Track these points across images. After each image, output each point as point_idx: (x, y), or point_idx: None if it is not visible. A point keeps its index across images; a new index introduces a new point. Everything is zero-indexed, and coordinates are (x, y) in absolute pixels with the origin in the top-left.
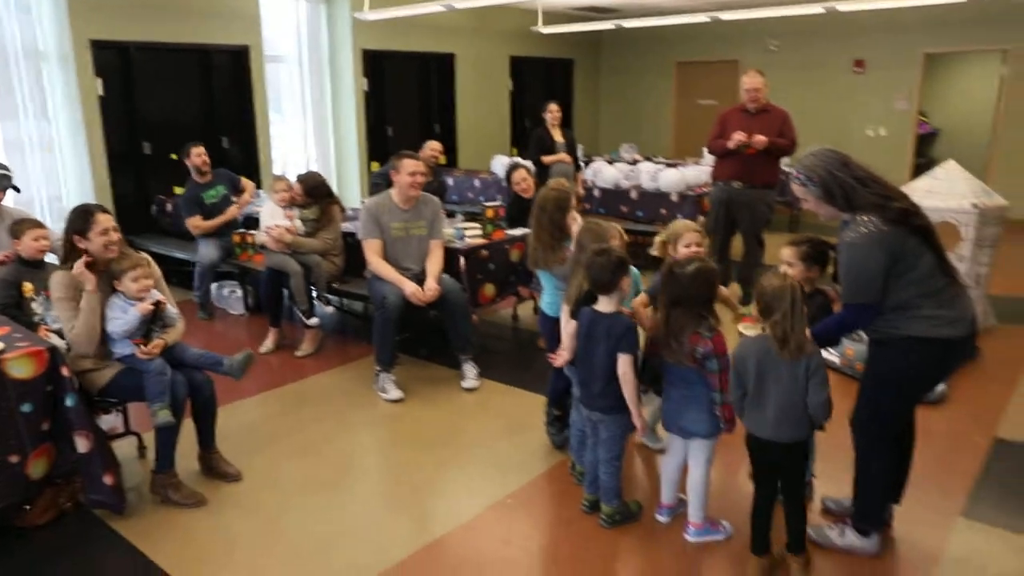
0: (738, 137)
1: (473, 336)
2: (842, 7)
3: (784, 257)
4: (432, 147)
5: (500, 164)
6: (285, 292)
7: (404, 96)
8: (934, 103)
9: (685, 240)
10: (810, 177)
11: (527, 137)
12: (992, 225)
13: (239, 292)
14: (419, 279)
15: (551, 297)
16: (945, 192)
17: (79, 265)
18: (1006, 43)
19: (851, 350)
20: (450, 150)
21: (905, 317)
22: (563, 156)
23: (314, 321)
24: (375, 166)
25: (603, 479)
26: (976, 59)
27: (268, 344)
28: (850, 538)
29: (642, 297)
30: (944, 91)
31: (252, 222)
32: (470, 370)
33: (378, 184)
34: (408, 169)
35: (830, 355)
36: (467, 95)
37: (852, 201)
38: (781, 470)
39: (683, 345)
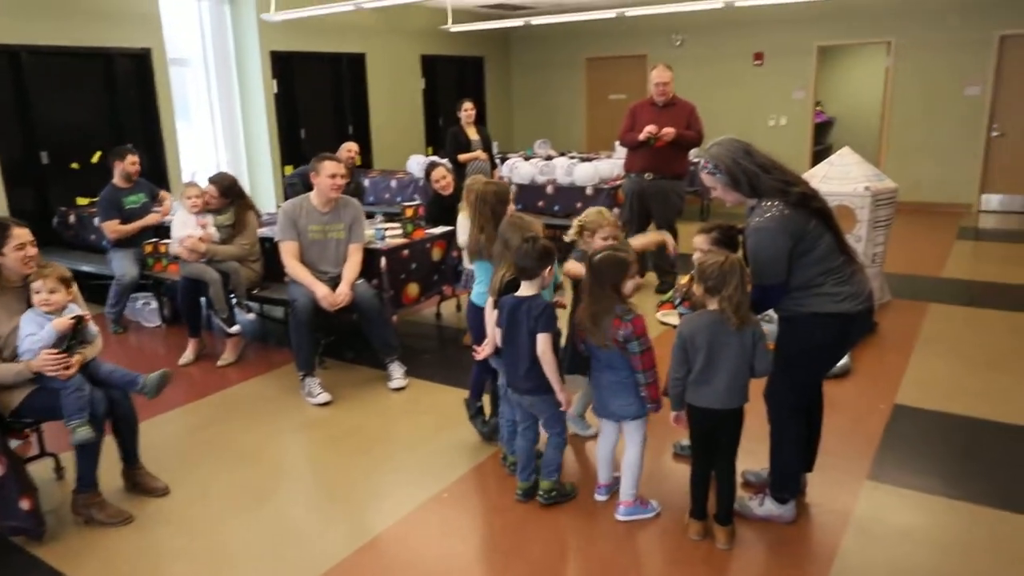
0: (649, 129)
1: (394, 338)
2: (741, 3)
3: (696, 244)
4: (349, 148)
5: (416, 164)
6: (204, 301)
7: (316, 98)
8: (828, 93)
9: (603, 233)
10: (717, 166)
11: (442, 136)
12: (885, 207)
13: (154, 304)
14: (336, 283)
15: (484, 287)
16: (841, 177)
17: None
18: (890, 36)
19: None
20: (365, 151)
21: (809, 295)
22: (479, 154)
23: (235, 329)
24: (288, 170)
25: (548, 453)
26: (865, 51)
27: (188, 355)
28: (769, 507)
29: (574, 265)
30: (837, 82)
31: (163, 231)
32: (396, 370)
33: (294, 186)
34: (328, 171)
35: None
36: (380, 95)
37: (756, 187)
38: (724, 438)
39: (604, 329)
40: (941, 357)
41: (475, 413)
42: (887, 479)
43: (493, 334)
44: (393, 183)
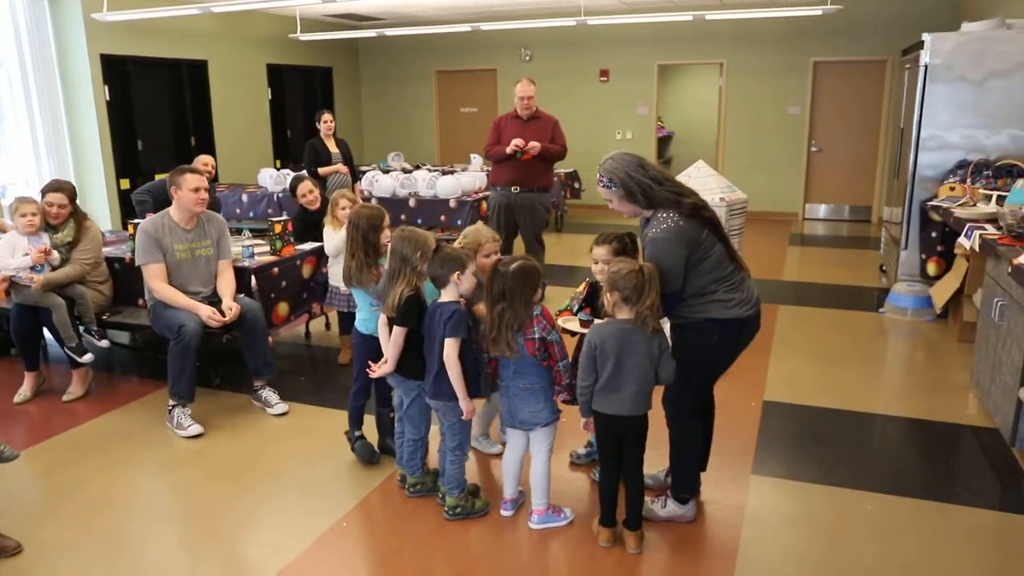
0: (516, 143)
1: (272, 357)
2: (591, 21)
3: (597, 256)
4: (205, 162)
5: (269, 177)
6: (46, 328)
7: (154, 106)
8: (669, 109)
9: (485, 250)
10: (611, 179)
11: (291, 148)
12: (737, 216)
13: None
14: (211, 302)
15: (366, 314)
16: (698, 189)
17: None
18: (722, 57)
19: None
20: None
21: (703, 302)
22: (339, 167)
23: (88, 358)
24: (125, 183)
25: (447, 468)
26: (700, 71)
27: (25, 391)
28: (671, 507)
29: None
30: (677, 98)
31: None
32: (272, 395)
33: (143, 203)
34: (191, 185)
35: None
36: (224, 105)
37: (651, 199)
38: (629, 445)
39: (508, 339)
40: (794, 355)
41: (355, 440)
42: (769, 472)
43: (395, 354)
44: (244, 197)
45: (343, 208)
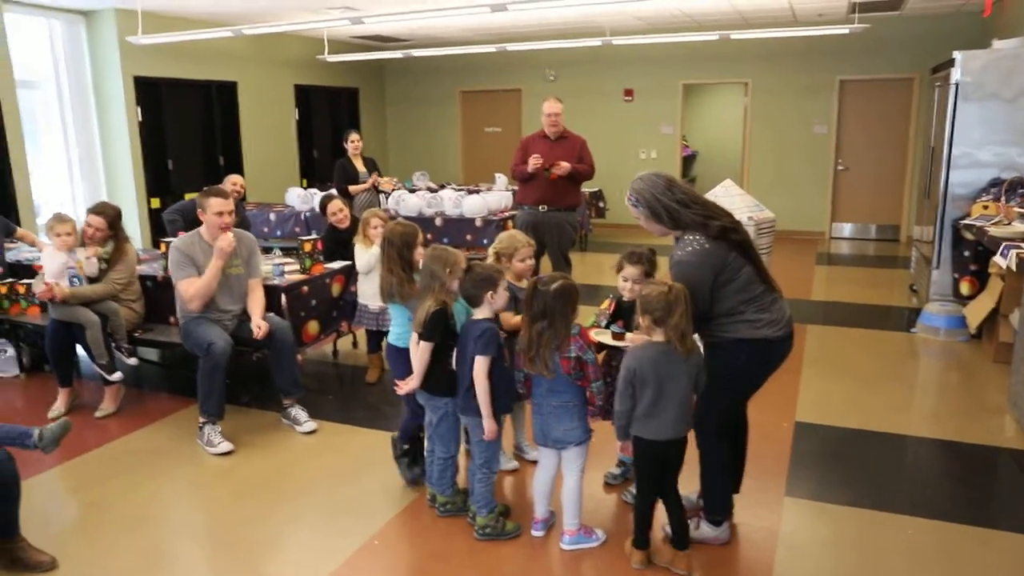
0: (534, 159)
1: (300, 376)
2: (616, 41)
3: (628, 275)
4: (234, 181)
5: (297, 196)
6: (79, 345)
7: (184, 127)
8: (693, 128)
9: (520, 255)
10: (639, 200)
11: (318, 167)
12: (765, 235)
13: (10, 351)
14: (240, 320)
15: (402, 328)
16: (727, 207)
17: None
18: (747, 77)
19: None
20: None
21: (732, 322)
22: (368, 185)
23: (117, 376)
24: (156, 203)
25: (476, 486)
26: (725, 90)
27: (59, 407)
28: (704, 529)
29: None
30: (701, 118)
31: (22, 270)
32: (301, 413)
33: (174, 221)
34: (215, 208)
35: None
36: (252, 125)
37: (677, 221)
38: (672, 466)
39: (546, 358)
40: (825, 375)
41: (400, 454)
42: (802, 494)
43: (420, 369)
44: (272, 216)
45: (375, 227)
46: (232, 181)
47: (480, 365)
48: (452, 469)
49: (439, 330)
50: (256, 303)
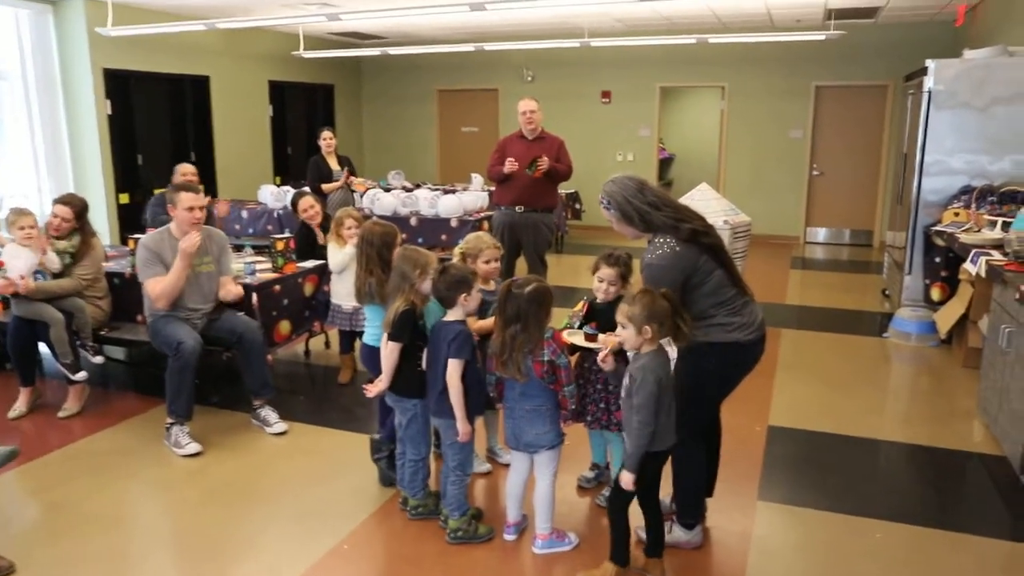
0: (509, 166)
1: (270, 377)
2: (592, 43)
3: (605, 276)
4: (184, 171)
5: (269, 193)
6: (42, 344)
7: (155, 121)
8: (670, 131)
9: (485, 256)
10: (610, 202)
11: (291, 165)
12: (741, 239)
13: None
14: (210, 319)
15: (378, 329)
16: (702, 211)
17: None
18: (724, 80)
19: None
20: (209, 180)
21: (703, 326)
22: (341, 183)
23: (81, 376)
24: (124, 198)
25: (448, 489)
26: (703, 93)
27: (20, 407)
28: (677, 534)
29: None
30: (678, 121)
31: None
32: (271, 414)
33: (160, 207)
34: (185, 203)
35: None
36: (225, 121)
37: (649, 223)
38: (658, 473)
39: (519, 362)
40: (799, 380)
41: (383, 455)
42: (775, 498)
43: (388, 370)
44: (244, 214)
45: (348, 228)
46: (183, 172)
47: (454, 368)
48: (423, 471)
49: (408, 330)
50: (230, 292)
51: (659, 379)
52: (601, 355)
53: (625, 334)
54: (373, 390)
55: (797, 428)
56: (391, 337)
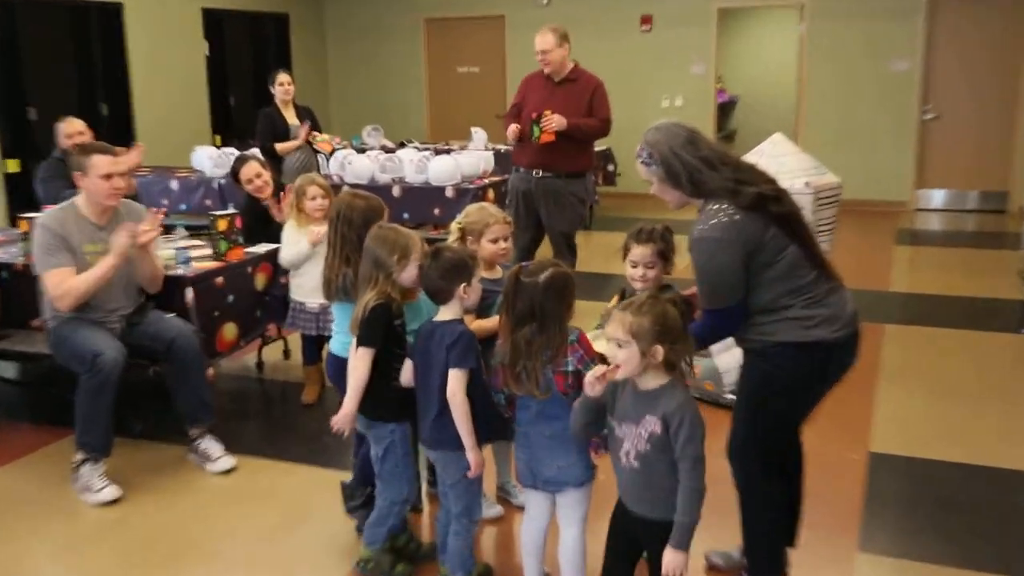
0: (512, 132)
1: (210, 398)
2: None
3: (637, 257)
4: (70, 130)
5: (206, 158)
6: None
7: (52, 63)
8: (731, 67)
9: (491, 233)
10: (651, 155)
11: (237, 120)
12: (828, 207)
13: None
14: (131, 323)
15: (348, 336)
16: (774, 171)
17: None
18: None
19: (696, 367)
20: (127, 141)
21: (774, 320)
22: (300, 141)
23: None
24: (12, 165)
25: (451, 541)
26: (774, 15)
27: None
28: None
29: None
30: (742, 53)
31: None
32: (213, 446)
33: (50, 180)
34: (100, 169)
35: None
36: (146, 62)
37: (700, 186)
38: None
39: (536, 373)
40: (909, 390)
41: (363, 503)
42: (881, 549)
43: (357, 384)
44: (174, 184)
45: (312, 198)
46: (69, 132)
47: (457, 381)
48: (396, 518)
49: (381, 332)
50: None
51: (703, 427)
52: (597, 372)
53: (623, 355)
54: (341, 422)
55: (907, 456)
56: (360, 341)
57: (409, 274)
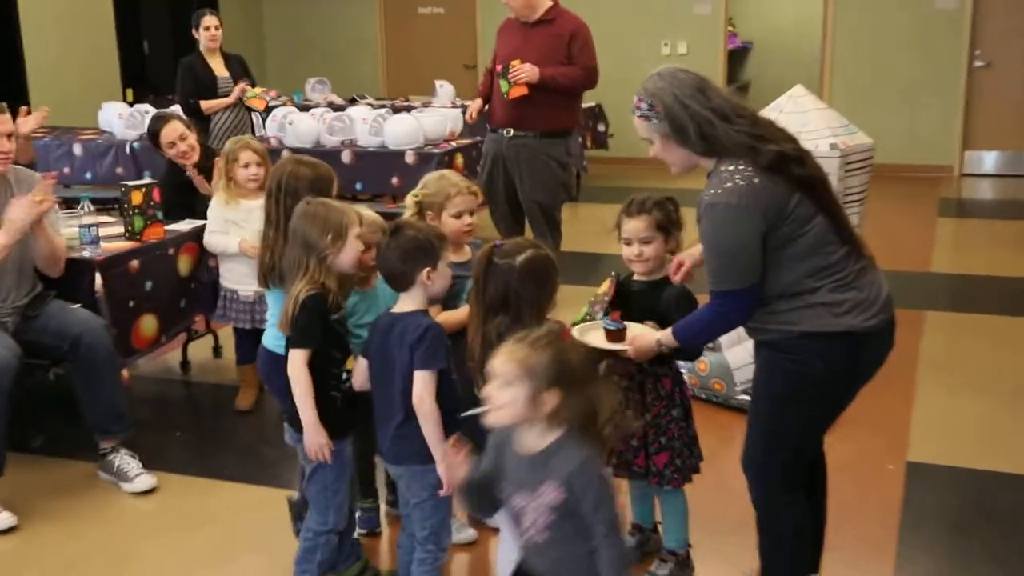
0: (473, 110)
1: (125, 406)
2: None
3: (630, 232)
4: None
5: (116, 117)
6: None
7: None
8: (744, 7)
9: (454, 206)
10: (652, 106)
11: (154, 70)
12: (858, 173)
13: None
14: (26, 316)
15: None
16: (795, 130)
17: None
18: None
19: (703, 363)
20: (16, 96)
21: (796, 307)
22: (232, 99)
23: None
24: None
25: (415, 572)
26: None
27: None
28: None
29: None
30: None
31: None
32: (129, 462)
33: None
34: None
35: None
36: (38, 2)
37: (712, 142)
38: None
39: None
40: (953, 389)
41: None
42: (921, 574)
43: (304, 395)
44: (77, 149)
45: (245, 165)
46: None
47: (424, 384)
48: (325, 550)
49: (316, 328)
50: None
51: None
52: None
53: (506, 396)
54: (312, 447)
55: (951, 466)
56: (292, 342)
57: (347, 257)
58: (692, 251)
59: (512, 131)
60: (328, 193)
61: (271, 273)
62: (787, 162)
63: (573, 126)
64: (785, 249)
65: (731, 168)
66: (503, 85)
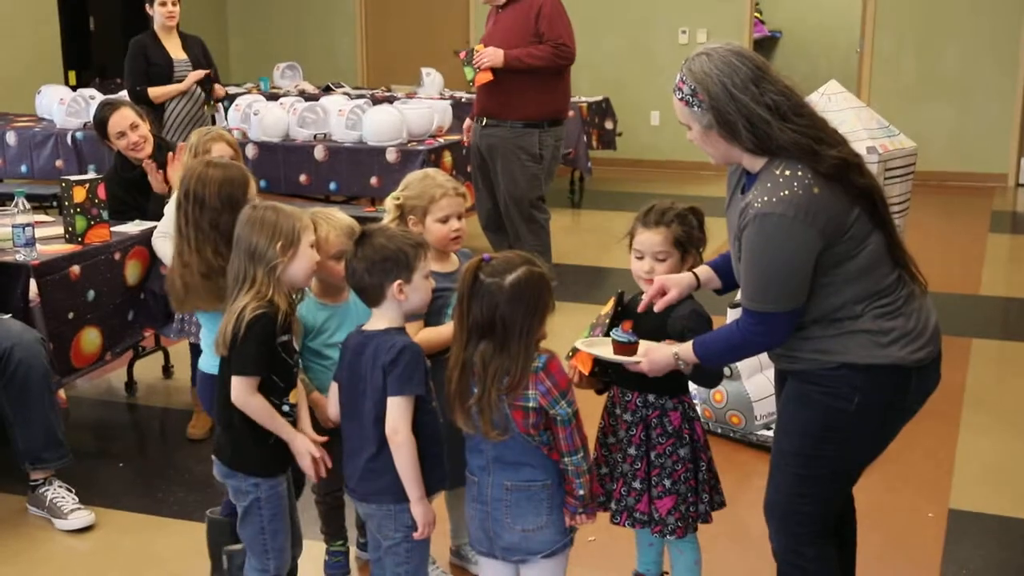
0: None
1: (62, 430)
2: None
3: (644, 245)
4: None
5: (56, 102)
6: None
7: None
8: None
9: (439, 210)
10: (695, 92)
11: (99, 51)
12: (899, 180)
13: None
14: None
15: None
16: None
17: None
18: None
19: (719, 394)
20: None
21: (837, 334)
22: (187, 85)
23: None
24: None
25: None
26: None
27: None
28: None
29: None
30: None
31: None
32: (64, 495)
33: None
34: None
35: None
36: None
37: (765, 141)
38: None
39: (489, 405)
40: (1002, 427)
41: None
42: None
43: (278, 426)
44: (11, 138)
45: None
46: None
47: (399, 412)
48: None
49: (264, 356)
50: None
51: None
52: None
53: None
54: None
55: (998, 515)
56: (236, 369)
57: (300, 268)
58: (680, 279)
59: (485, 120)
60: (241, 198)
61: (182, 294)
62: (849, 170)
63: (557, 114)
64: (838, 269)
65: (787, 173)
66: (468, 73)
